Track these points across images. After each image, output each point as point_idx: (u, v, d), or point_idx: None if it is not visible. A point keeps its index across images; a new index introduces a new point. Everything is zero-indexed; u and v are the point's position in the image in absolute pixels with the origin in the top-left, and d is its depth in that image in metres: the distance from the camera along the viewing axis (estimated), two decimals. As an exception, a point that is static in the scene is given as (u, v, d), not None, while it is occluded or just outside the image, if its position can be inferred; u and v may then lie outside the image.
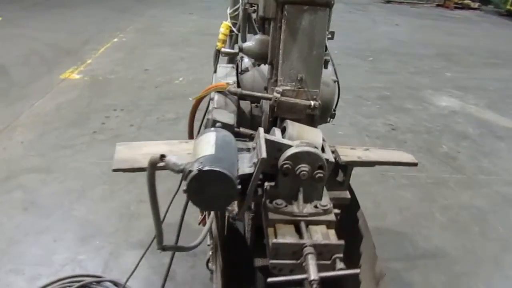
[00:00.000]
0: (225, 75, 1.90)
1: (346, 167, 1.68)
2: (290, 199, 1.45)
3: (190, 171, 1.17)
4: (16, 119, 4.89)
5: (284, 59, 1.55)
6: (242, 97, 1.69)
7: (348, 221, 1.68)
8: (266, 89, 1.72)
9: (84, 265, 2.90)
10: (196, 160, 1.20)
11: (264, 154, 1.26)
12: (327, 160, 1.43)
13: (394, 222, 3.59)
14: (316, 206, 1.43)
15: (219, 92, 1.69)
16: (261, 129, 1.41)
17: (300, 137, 1.51)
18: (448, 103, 6.48)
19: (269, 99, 1.58)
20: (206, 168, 1.16)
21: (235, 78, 1.86)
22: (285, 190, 1.44)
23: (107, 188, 3.68)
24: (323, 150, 1.52)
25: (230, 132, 1.45)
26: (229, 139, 1.37)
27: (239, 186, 1.19)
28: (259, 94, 1.63)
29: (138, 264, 2.37)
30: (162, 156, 1.18)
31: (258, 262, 1.88)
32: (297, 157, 1.39)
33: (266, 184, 1.45)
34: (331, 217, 1.42)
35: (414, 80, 7.36)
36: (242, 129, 1.58)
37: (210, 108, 1.62)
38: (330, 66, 2.02)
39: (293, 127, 1.54)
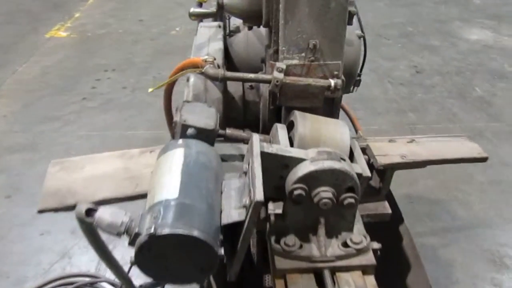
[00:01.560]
0: (207, 39, 1.37)
1: (385, 172, 1.18)
2: (306, 232, 0.98)
3: (137, 235, 0.69)
4: (-2, 88, 4.43)
5: (288, 18, 1.01)
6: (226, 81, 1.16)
7: (386, 240, 1.21)
8: (263, 61, 1.19)
9: (75, 262, 2.57)
10: (148, 211, 0.73)
11: (259, 195, 0.77)
12: (360, 175, 0.94)
13: (427, 187, 3.13)
14: (345, 244, 0.97)
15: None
16: (255, 138, 0.91)
17: (317, 139, 1.01)
18: (480, 36, 5.73)
19: (267, 81, 1.06)
20: (163, 231, 0.68)
21: (220, 45, 1.33)
22: (297, 222, 0.96)
23: (99, 166, 3.26)
24: (351, 156, 1.02)
25: (211, 140, 0.95)
26: (206, 159, 0.88)
27: (222, 251, 0.72)
28: (251, 75, 1.09)
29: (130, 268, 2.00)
30: (90, 211, 0.71)
31: (270, 281, 1.46)
32: (315, 178, 0.90)
33: (269, 208, 0.98)
34: (369, 258, 0.96)
35: (440, 11, 6.53)
36: (229, 131, 1.08)
37: (184, 99, 1.11)
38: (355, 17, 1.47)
39: (304, 122, 1.04)
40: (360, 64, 1.56)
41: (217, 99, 1.14)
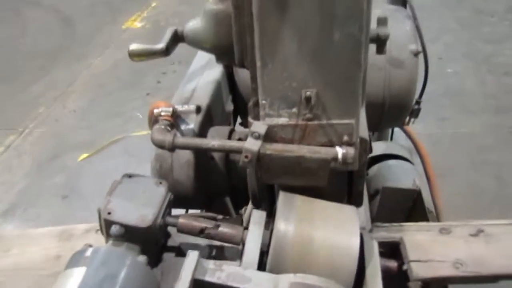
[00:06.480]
0: (204, 65, 1.05)
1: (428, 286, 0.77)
2: None
3: None
4: (72, 82, 4.60)
5: (266, 59, 0.65)
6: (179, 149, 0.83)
7: None
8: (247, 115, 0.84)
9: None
10: None
11: None
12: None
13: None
14: None
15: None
16: (189, 258, 0.58)
17: (305, 247, 0.66)
18: None
19: (237, 151, 0.71)
20: None
21: (217, 74, 1.00)
22: None
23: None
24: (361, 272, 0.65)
25: (147, 242, 0.65)
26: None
27: None
28: (213, 143, 0.74)
29: None
30: None
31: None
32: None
33: None
34: None
35: None
36: (183, 221, 0.74)
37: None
38: (408, 22, 1.09)
39: (288, 215, 0.68)
40: (416, 90, 1.15)
41: (186, 162, 0.84)
